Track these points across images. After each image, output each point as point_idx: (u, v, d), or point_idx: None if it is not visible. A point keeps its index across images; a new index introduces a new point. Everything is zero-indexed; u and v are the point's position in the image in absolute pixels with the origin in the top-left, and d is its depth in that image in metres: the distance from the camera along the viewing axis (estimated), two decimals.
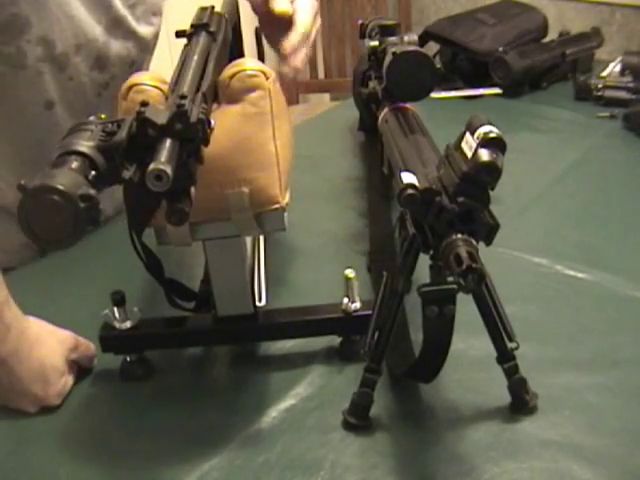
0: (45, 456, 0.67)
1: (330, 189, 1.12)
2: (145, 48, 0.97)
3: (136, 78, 0.67)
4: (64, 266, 0.94)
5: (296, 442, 0.66)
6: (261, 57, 0.86)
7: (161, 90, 0.66)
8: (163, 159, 0.51)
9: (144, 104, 0.55)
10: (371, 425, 0.67)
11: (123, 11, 0.91)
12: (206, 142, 0.57)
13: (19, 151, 0.90)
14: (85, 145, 0.52)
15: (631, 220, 0.99)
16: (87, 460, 0.66)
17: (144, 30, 0.95)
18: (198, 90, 0.61)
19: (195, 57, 0.67)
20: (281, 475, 0.63)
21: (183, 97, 0.56)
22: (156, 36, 0.99)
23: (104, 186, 0.52)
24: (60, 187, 0.48)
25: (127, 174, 0.53)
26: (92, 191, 0.49)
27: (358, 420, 0.67)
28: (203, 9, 0.81)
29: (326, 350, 0.77)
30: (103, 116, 0.57)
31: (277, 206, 0.67)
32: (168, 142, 0.53)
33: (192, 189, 0.56)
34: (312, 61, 2.55)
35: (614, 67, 1.45)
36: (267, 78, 0.68)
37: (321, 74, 2.57)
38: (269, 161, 0.67)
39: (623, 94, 1.34)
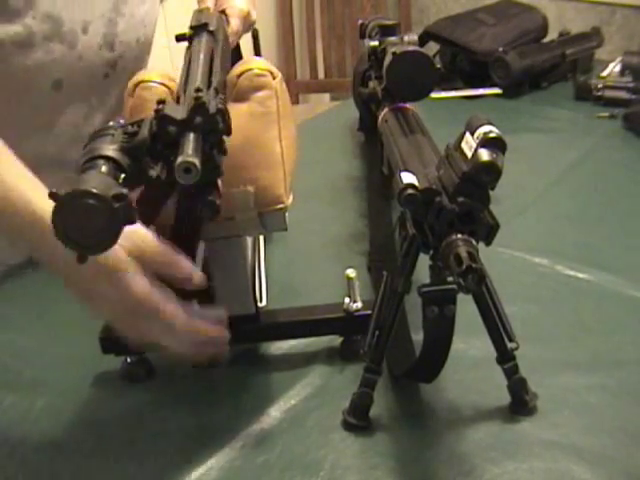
0: (44, 457, 0.67)
1: (330, 189, 1.12)
2: (147, 26, 0.95)
3: (143, 75, 0.67)
4: None
5: (296, 442, 0.66)
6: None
7: (168, 87, 0.67)
8: (190, 151, 0.51)
9: (161, 102, 0.55)
10: (371, 425, 0.67)
11: None
12: (228, 132, 0.57)
13: (24, 136, 0.85)
14: (109, 148, 0.52)
15: (631, 220, 0.99)
16: (86, 460, 0.66)
17: (146, 7, 0.93)
18: (209, 86, 0.61)
19: (201, 56, 0.67)
20: (281, 475, 0.63)
21: (199, 90, 0.56)
22: (155, 15, 0.98)
23: (132, 187, 0.52)
24: (93, 190, 0.48)
25: (154, 172, 0.54)
26: (124, 190, 0.49)
27: (358, 420, 0.67)
28: (199, 11, 0.81)
29: (326, 350, 0.77)
30: (122, 121, 0.57)
31: (281, 206, 0.67)
32: (191, 135, 0.53)
33: (219, 181, 0.57)
34: (312, 61, 2.55)
35: (614, 67, 1.45)
36: (274, 78, 0.68)
37: (321, 74, 2.57)
38: (275, 161, 0.67)
39: (623, 94, 1.34)
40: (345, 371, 0.74)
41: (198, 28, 0.74)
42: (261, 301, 0.77)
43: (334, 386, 0.72)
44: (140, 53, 0.95)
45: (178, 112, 0.55)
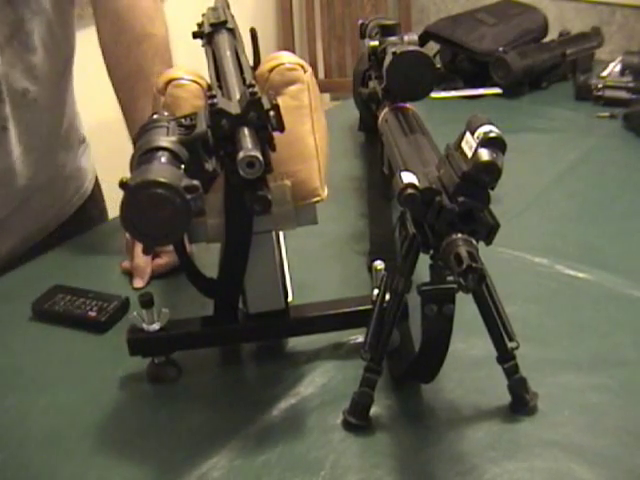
0: (44, 457, 0.67)
1: (330, 189, 1.11)
2: (39, 77, 0.89)
3: (173, 73, 0.67)
4: (73, 269, 0.94)
5: (296, 442, 0.66)
6: (257, 56, 0.86)
7: (199, 84, 0.66)
8: (250, 146, 0.51)
9: (212, 96, 0.55)
10: (371, 425, 0.67)
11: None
12: (281, 128, 0.56)
13: None
14: (167, 140, 0.52)
15: (631, 220, 0.99)
16: (84, 460, 0.66)
17: (37, 58, 0.88)
18: (243, 82, 0.61)
19: (227, 53, 0.67)
20: (281, 475, 0.63)
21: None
22: (58, 67, 0.92)
23: (191, 179, 0.51)
24: (163, 180, 0.47)
25: (209, 166, 0.53)
26: (196, 182, 0.48)
27: (358, 420, 0.67)
28: (213, 9, 0.81)
29: (326, 350, 0.77)
30: (166, 113, 0.57)
31: (318, 199, 0.68)
32: (246, 130, 0.53)
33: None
34: (312, 61, 2.54)
35: (614, 67, 1.45)
36: (305, 72, 0.68)
37: (321, 74, 2.57)
38: (309, 154, 0.68)
39: (623, 94, 1.34)
40: (345, 371, 0.74)
41: (218, 26, 0.73)
42: (288, 297, 0.76)
43: (334, 386, 0.72)
44: (33, 103, 0.90)
45: (232, 107, 0.54)
